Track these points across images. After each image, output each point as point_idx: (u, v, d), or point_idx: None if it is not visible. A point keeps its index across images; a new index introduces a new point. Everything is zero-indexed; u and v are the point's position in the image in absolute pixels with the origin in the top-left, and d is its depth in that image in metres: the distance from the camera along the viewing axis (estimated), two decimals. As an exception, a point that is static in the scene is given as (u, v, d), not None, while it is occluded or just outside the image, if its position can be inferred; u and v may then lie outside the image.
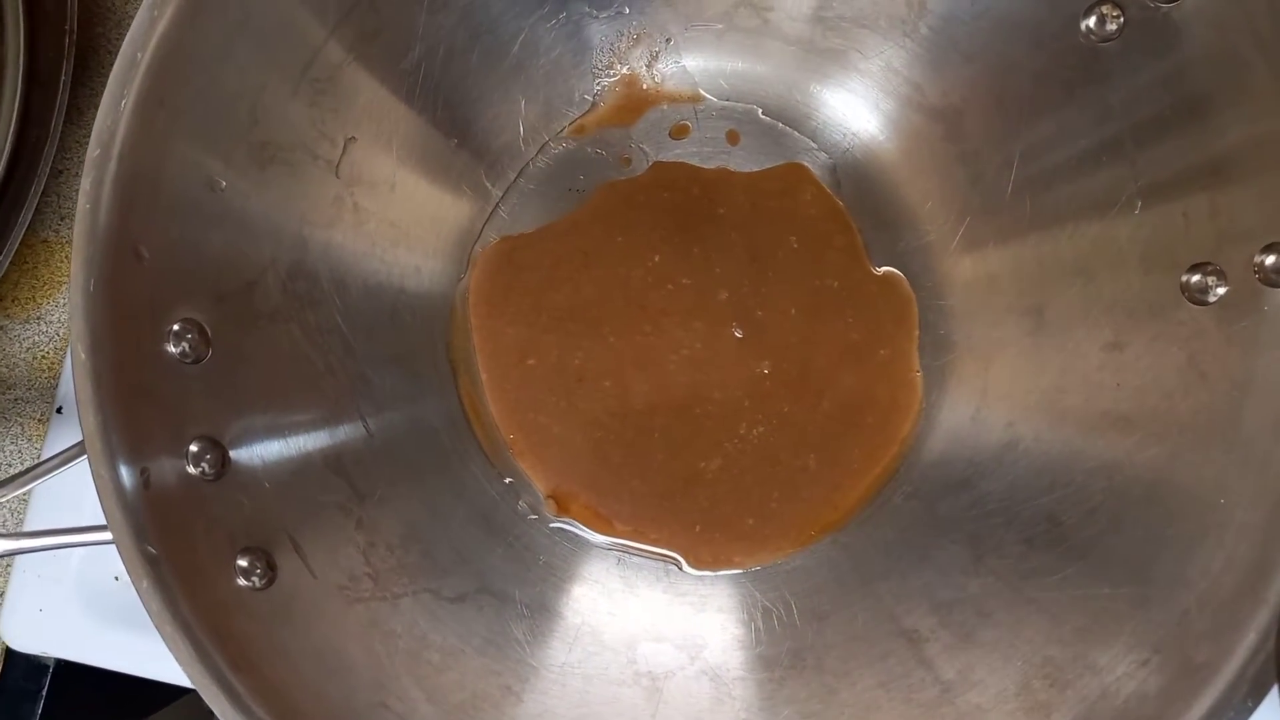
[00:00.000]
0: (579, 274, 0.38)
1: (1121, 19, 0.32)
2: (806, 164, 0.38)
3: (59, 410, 0.40)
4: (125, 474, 0.28)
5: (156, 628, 0.27)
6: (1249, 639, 0.27)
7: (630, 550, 0.36)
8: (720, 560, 0.36)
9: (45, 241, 0.41)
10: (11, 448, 0.41)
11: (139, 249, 0.29)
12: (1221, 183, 0.31)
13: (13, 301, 0.41)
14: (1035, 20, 0.34)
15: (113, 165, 0.28)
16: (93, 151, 0.28)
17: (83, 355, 0.28)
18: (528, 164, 0.39)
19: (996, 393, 0.36)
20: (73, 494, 0.38)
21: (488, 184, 0.38)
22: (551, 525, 0.37)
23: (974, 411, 0.36)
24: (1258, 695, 0.26)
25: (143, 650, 0.39)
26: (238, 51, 0.30)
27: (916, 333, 0.37)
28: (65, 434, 0.40)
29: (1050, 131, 0.35)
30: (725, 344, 0.37)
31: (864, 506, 0.37)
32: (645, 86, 0.39)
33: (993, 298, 0.37)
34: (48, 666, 0.40)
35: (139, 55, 0.28)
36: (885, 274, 0.38)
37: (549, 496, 0.37)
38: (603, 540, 0.37)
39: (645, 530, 0.36)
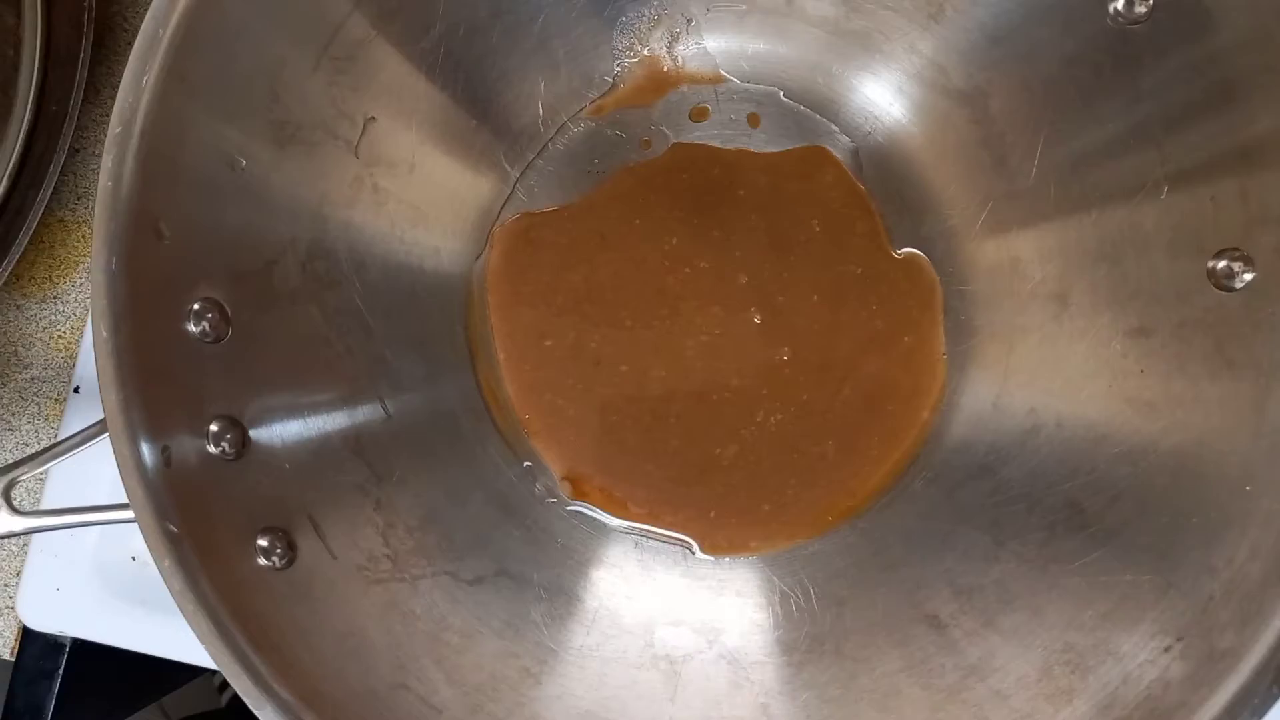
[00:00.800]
0: (595, 256, 0.37)
1: (1151, 1, 0.31)
2: (828, 147, 0.38)
3: (76, 390, 0.40)
4: (147, 452, 0.28)
5: (178, 606, 0.27)
6: (1274, 626, 0.27)
7: (645, 534, 0.36)
8: (736, 545, 0.36)
9: (62, 221, 0.41)
10: (29, 427, 0.41)
11: (160, 227, 0.29)
12: (1251, 168, 0.30)
13: (30, 281, 0.41)
14: (1063, 2, 0.33)
15: (134, 142, 0.28)
16: (114, 129, 0.28)
17: (104, 333, 0.28)
18: (546, 145, 0.38)
19: (1019, 378, 0.36)
20: (89, 474, 0.38)
21: (506, 165, 0.38)
22: (569, 508, 0.37)
23: (995, 397, 0.36)
24: (1284, 683, 0.26)
25: (159, 630, 0.39)
26: (258, 29, 0.30)
27: (941, 317, 0.37)
28: (82, 413, 0.40)
29: (1077, 115, 0.34)
30: (744, 330, 0.37)
31: (884, 493, 0.36)
32: (666, 68, 0.38)
33: (1016, 283, 0.36)
34: (64, 646, 0.40)
35: (161, 32, 0.28)
36: (909, 257, 0.37)
37: (564, 478, 0.37)
38: (619, 524, 0.36)
39: (660, 514, 0.36)
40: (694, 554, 0.36)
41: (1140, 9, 0.32)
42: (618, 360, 0.37)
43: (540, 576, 0.35)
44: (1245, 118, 0.30)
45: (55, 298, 0.41)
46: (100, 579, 0.39)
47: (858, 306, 0.37)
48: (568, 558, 0.36)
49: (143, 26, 0.28)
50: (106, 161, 0.28)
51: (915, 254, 0.37)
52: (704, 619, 0.35)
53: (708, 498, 0.36)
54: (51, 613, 0.39)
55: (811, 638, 0.34)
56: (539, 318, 0.37)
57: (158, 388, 0.29)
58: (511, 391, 0.37)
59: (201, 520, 0.29)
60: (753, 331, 0.37)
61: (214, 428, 0.30)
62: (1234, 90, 0.30)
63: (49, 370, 0.40)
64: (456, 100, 0.36)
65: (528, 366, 0.37)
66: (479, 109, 0.37)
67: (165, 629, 0.39)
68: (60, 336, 0.41)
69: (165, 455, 0.28)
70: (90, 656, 0.40)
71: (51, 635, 0.40)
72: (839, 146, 0.38)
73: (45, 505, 0.39)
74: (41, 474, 0.39)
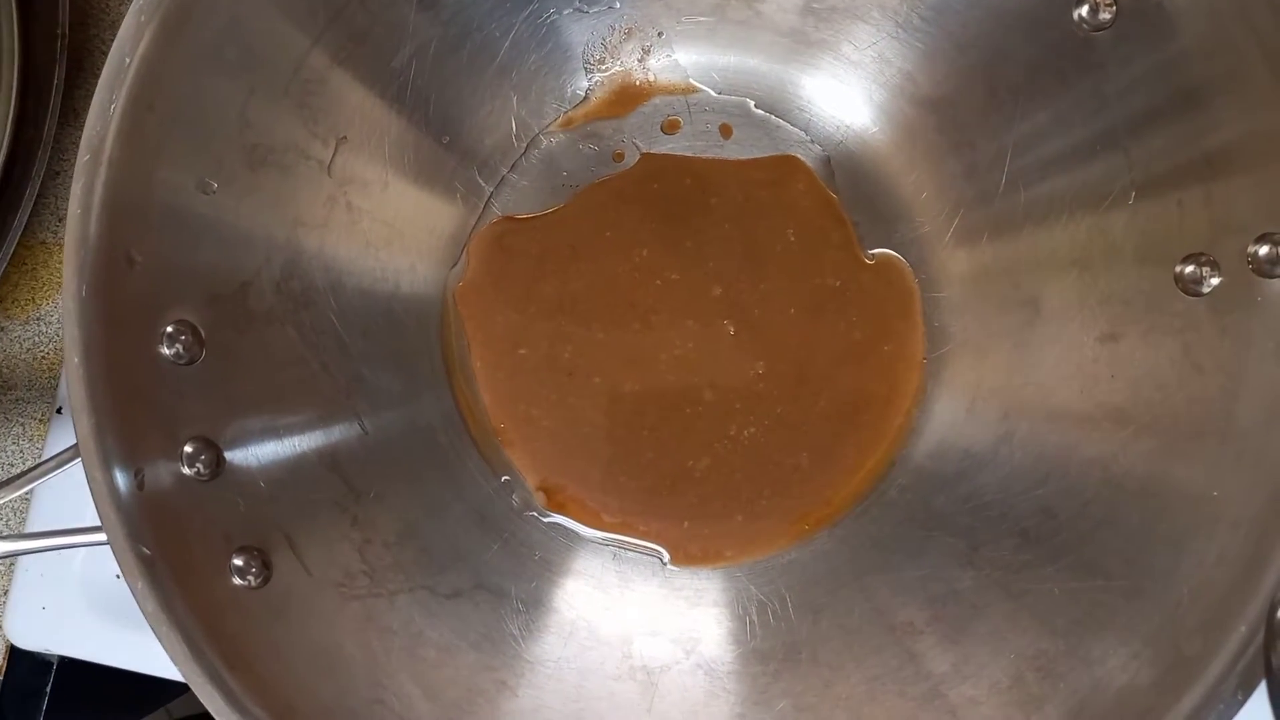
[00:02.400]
0: (567, 267, 0.38)
1: (1115, 8, 0.31)
2: (800, 156, 0.38)
3: (59, 410, 0.40)
4: (120, 477, 0.28)
5: (151, 627, 0.27)
6: (1240, 632, 0.27)
7: (620, 545, 0.37)
8: (710, 555, 0.36)
9: (44, 243, 0.41)
10: (13, 448, 0.41)
11: (131, 254, 0.29)
12: (1216, 173, 0.30)
13: (12, 303, 0.41)
14: (1028, 9, 0.33)
15: (103, 171, 0.29)
16: (82, 157, 0.29)
17: (76, 360, 0.28)
18: (519, 159, 0.39)
19: (992, 385, 0.36)
20: (76, 493, 0.39)
21: (480, 180, 0.38)
22: (546, 520, 0.37)
23: (969, 404, 0.36)
24: (1247, 689, 0.26)
25: (145, 647, 0.39)
26: (226, 55, 0.31)
27: (921, 320, 0.37)
28: (66, 434, 0.40)
29: (1044, 122, 0.34)
30: (718, 343, 0.37)
31: (859, 500, 0.37)
32: (637, 81, 0.38)
33: (988, 289, 0.36)
34: (51, 663, 0.41)
35: (127, 60, 0.29)
36: (887, 261, 0.37)
37: (539, 489, 0.37)
38: (594, 534, 0.37)
39: (633, 524, 0.36)
40: (664, 564, 0.36)
41: (1104, 15, 0.32)
42: (590, 372, 0.37)
43: (518, 589, 0.35)
44: (1209, 123, 0.30)
45: (38, 319, 0.41)
46: (86, 597, 0.40)
47: (836, 318, 0.37)
48: (545, 570, 0.36)
49: (109, 56, 0.29)
50: (75, 189, 0.29)
51: (893, 257, 0.38)
52: (681, 629, 0.35)
53: (681, 508, 0.36)
54: (38, 631, 0.40)
55: (787, 646, 0.34)
56: (513, 325, 0.37)
57: (131, 411, 0.29)
58: (487, 400, 0.37)
59: (176, 542, 0.29)
60: (727, 344, 0.37)
61: (188, 449, 0.30)
62: (1197, 96, 0.31)
63: (33, 391, 0.41)
64: (429, 118, 0.36)
65: (502, 375, 0.37)
66: (451, 126, 0.37)
67: (151, 646, 0.39)
68: (44, 357, 0.41)
69: (139, 479, 0.29)
70: (78, 674, 0.41)
71: (39, 653, 0.40)
72: (811, 155, 0.38)
73: (31, 525, 0.40)
74: (27, 494, 0.40)
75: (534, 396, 0.37)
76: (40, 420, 0.41)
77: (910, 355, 0.37)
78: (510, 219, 0.38)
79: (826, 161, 0.38)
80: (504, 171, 0.38)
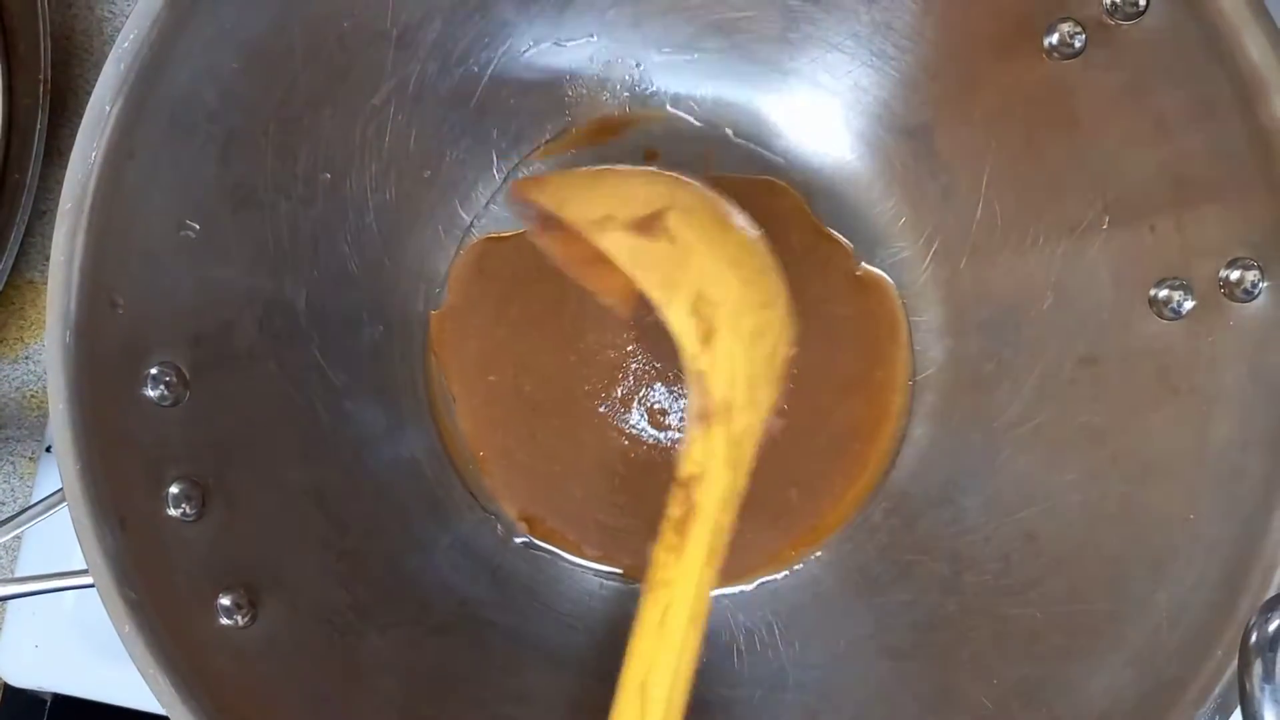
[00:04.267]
0: (531, 289, 0.37)
1: (1084, 36, 0.32)
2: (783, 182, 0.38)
3: (48, 449, 0.40)
4: (105, 521, 0.29)
5: (139, 670, 0.28)
6: (1217, 656, 0.27)
7: (605, 575, 0.37)
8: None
9: (31, 282, 0.42)
10: (4, 486, 0.41)
11: (114, 298, 0.30)
12: (1186, 198, 0.31)
13: (1, 342, 0.41)
14: (1000, 37, 0.34)
15: (85, 217, 0.29)
16: (64, 205, 0.29)
17: (61, 407, 0.28)
18: (499, 189, 0.39)
19: (972, 408, 0.36)
20: (66, 534, 0.39)
21: (462, 212, 0.39)
22: (532, 551, 0.37)
23: (951, 428, 0.36)
24: (1224, 712, 0.26)
25: (138, 683, 0.39)
26: (205, 98, 0.31)
27: (908, 341, 0.37)
28: (56, 472, 0.40)
29: (1019, 148, 0.35)
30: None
31: (845, 525, 0.37)
32: (615, 113, 0.39)
33: (967, 313, 0.37)
34: (45, 701, 0.41)
35: (107, 109, 0.29)
36: (872, 282, 0.37)
37: (520, 518, 0.37)
38: (578, 561, 0.37)
39: (615, 557, 0.36)
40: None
41: (1074, 44, 0.32)
42: (552, 410, 0.37)
43: (506, 621, 0.35)
44: (1178, 149, 0.31)
45: (27, 358, 0.42)
46: (79, 635, 0.40)
47: (831, 352, 0.37)
48: (533, 601, 0.36)
49: (89, 104, 0.29)
50: (58, 237, 0.29)
51: (879, 277, 0.38)
52: (669, 657, 0.35)
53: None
54: (31, 669, 0.40)
55: (775, 673, 0.34)
56: (484, 351, 0.37)
57: (116, 455, 0.29)
58: (464, 428, 0.37)
59: (162, 583, 0.29)
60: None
61: (174, 490, 0.30)
62: (1166, 122, 0.31)
63: (23, 430, 0.41)
64: (409, 153, 0.36)
65: (478, 402, 0.37)
66: (432, 160, 0.37)
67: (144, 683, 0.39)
68: (33, 395, 0.41)
69: (125, 522, 0.29)
70: (71, 711, 0.41)
71: (32, 691, 0.41)
72: (790, 182, 0.38)
73: (22, 566, 0.40)
74: (19, 535, 0.40)
75: (507, 427, 0.37)
76: (30, 459, 0.41)
77: (897, 379, 0.37)
78: (490, 239, 0.38)
79: (806, 185, 0.38)
80: (484, 201, 0.39)
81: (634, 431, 0.37)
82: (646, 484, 0.37)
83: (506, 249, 0.38)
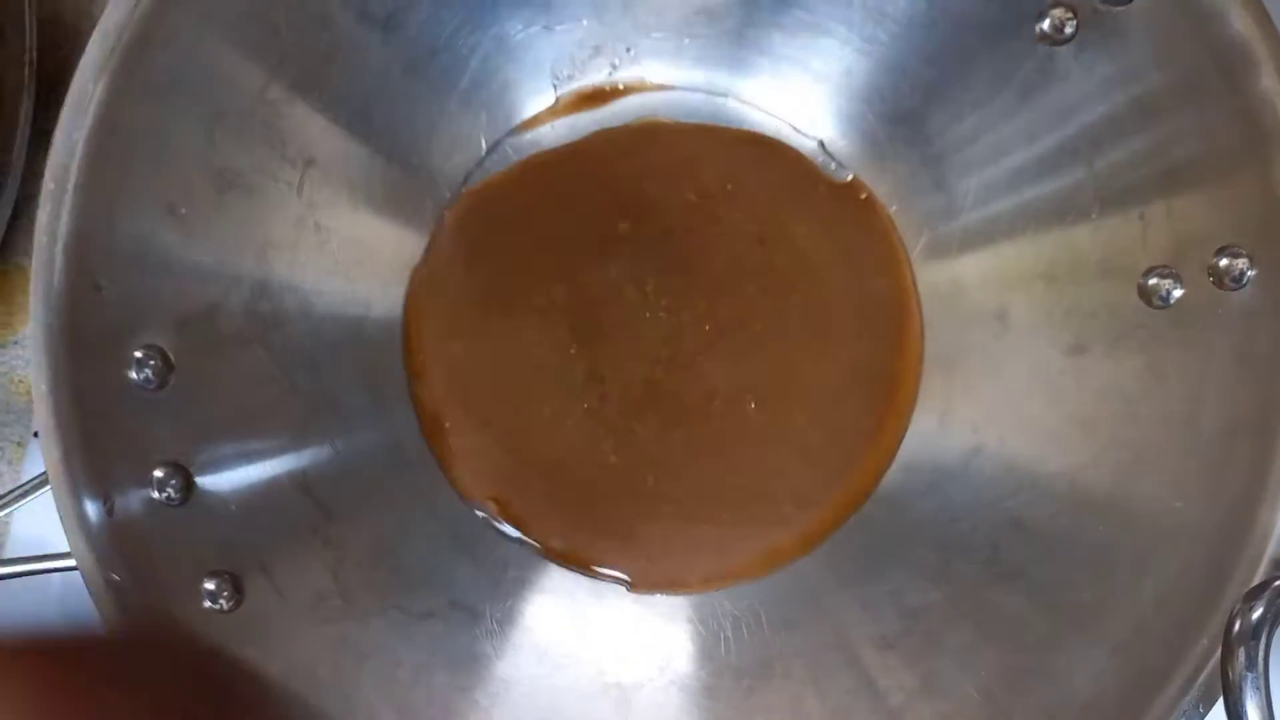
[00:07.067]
0: (507, 240, 0.37)
1: (1075, 22, 0.32)
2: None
3: (36, 434, 0.40)
4: (89, 504, 0.29)
5: (122, 655, 0.28)
6: (1202, 645, 0.27)
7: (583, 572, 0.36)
8: (675, 584, 0.35)
9: (19, 266, 0.41)
10: (-8, 471, 0.41)
11: (98, 280, 0.30)
12: (1176, 186, 0.31)
13: (-11, 326, 0.41)
14: (992, 23, 0.34)
15: (69, 199, 0.29)
16: (47, 186, 0.29)
17: (44, 389, 0.28)
18: (481, 163, 0.38)
19: (962, 397, 0.36)
20: (52, 517, 0.39)
21: (448, 195, 0.38)
22: (513, 535, 0.37)
23: (940, 417, 0.36)
24: (1208, 701, 0.26)
25: (125, 668, 0.39)
26: (190, 79, 0.31)
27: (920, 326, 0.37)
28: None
29: (1010, 135, 0.34)
30: (692, 377, 0.36)
31: (837, 525, 0.36)
32: (607, 87, 0.39)
33: (957, 302, 0.36)
34: (32, 685, 0.41)
35: (90, 89, 0.29)
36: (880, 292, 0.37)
37: (488, 499, 0.36)
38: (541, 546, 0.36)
39: (594, 559, 0.36)
40: (627, 592, 0.36)
41: (1065, 30, 0.32)
42: (528, 391, 0.36)
43: (491, 608, 0.35)
44: (1168, 136, 0.31)
45: (14, 342, 0.41)
46: (65, 616, 0.40)
47: (841, 342, 0.37)
48: (518, 587, 0.36)
49: (72, 84, 0.29)
50: (41, 218, 0.29)
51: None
52: (656, 645, 0.35)
53: (643, 550, 0.36)
54: (18, 654, 0.40)
55: (762, 662, 0.34)
56: (452, 313, 0.37)
57: (100, 438, 0.29)
58: (423, 396, 0.37)
59: (146, 567, 0.29)
60: (703, 379, 0.36)
61: (158, 474, 0.30)
62: (1157, 109, 0.31)
63: (10, 414, 0.41)
64: (396, 137, 0.36)
65: (441, 371, 0.37)
66: (420, 145, 0.37)
67: (131, 666, 0.39)
68: (21, 380, 0.41)
69: (109, 505, 0.29)
70: (58, 695, 0.41)
71: (19, 676, 0.40)
72: (781, 170, 0.38)
73: (9, 547, 0.40)
74: (4, 519, 0.40)
75: (470, 401, 0.36)
76: (18, 444, 0.41)
77: (909, 369, 0.37)
78: (470, 192, 0.38)
79: (796, 175, 0.38)
80: (471, 182, 0.38)
81: (635, 435, 0.36)
82: (640, 492, 0.36)
83: (487, 200, 0.38)
